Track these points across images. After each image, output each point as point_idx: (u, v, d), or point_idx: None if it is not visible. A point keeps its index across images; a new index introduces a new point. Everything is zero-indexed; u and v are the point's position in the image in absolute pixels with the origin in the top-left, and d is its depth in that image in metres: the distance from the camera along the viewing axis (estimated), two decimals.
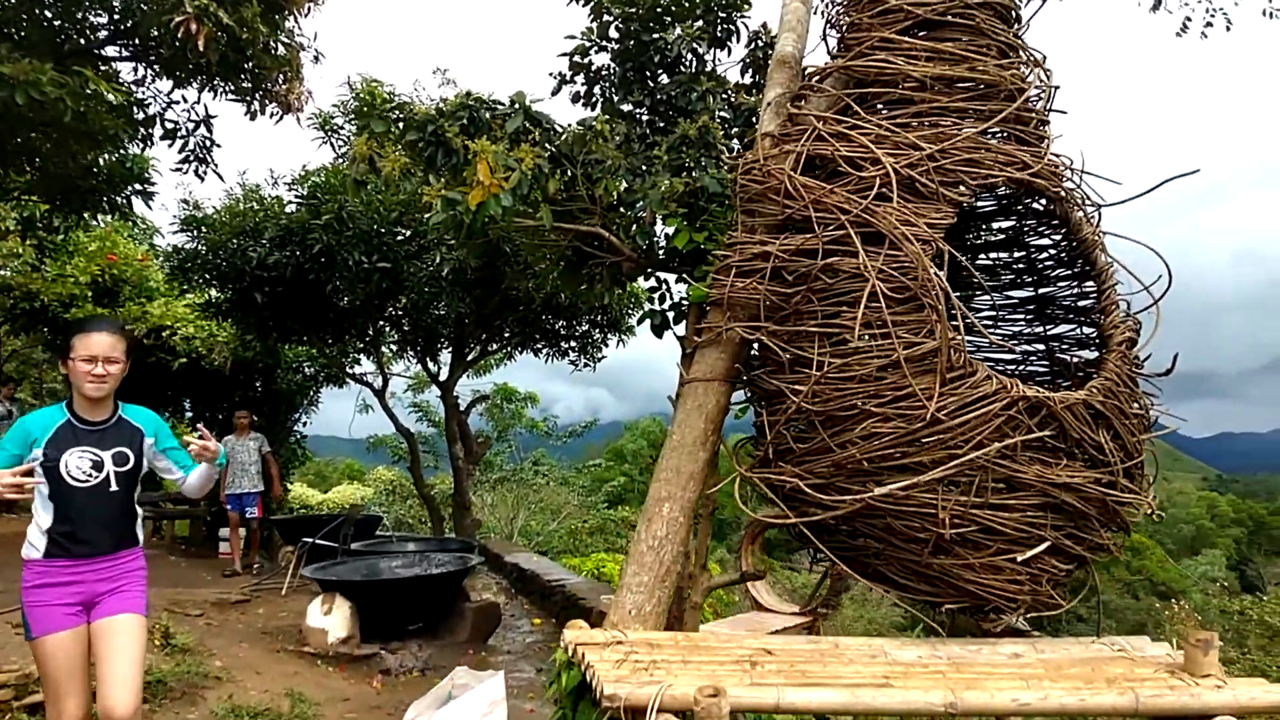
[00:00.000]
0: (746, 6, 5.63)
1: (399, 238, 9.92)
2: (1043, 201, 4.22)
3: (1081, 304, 4.41)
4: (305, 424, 14.65)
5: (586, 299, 10.13)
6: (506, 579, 10.81)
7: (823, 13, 4.74)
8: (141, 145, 8.77)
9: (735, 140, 5.48)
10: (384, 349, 13.13)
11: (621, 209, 5.33)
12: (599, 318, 12.04)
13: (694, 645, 3.36)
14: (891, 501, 3.49)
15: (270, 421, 13.44)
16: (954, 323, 3.54)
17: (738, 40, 5.73)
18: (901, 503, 3.49)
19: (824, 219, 3.79)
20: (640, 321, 5.50)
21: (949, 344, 3.44)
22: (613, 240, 5.17)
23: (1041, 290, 4.66)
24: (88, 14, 7.91)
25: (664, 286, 5.48)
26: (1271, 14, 7.07)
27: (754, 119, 5.28)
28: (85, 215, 9.69)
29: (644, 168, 5.14)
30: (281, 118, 8.44)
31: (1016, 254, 4.85)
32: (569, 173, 5.08)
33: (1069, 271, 4.44)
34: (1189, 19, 7.20)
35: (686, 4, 5.53)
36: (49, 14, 7.73)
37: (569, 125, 5.18)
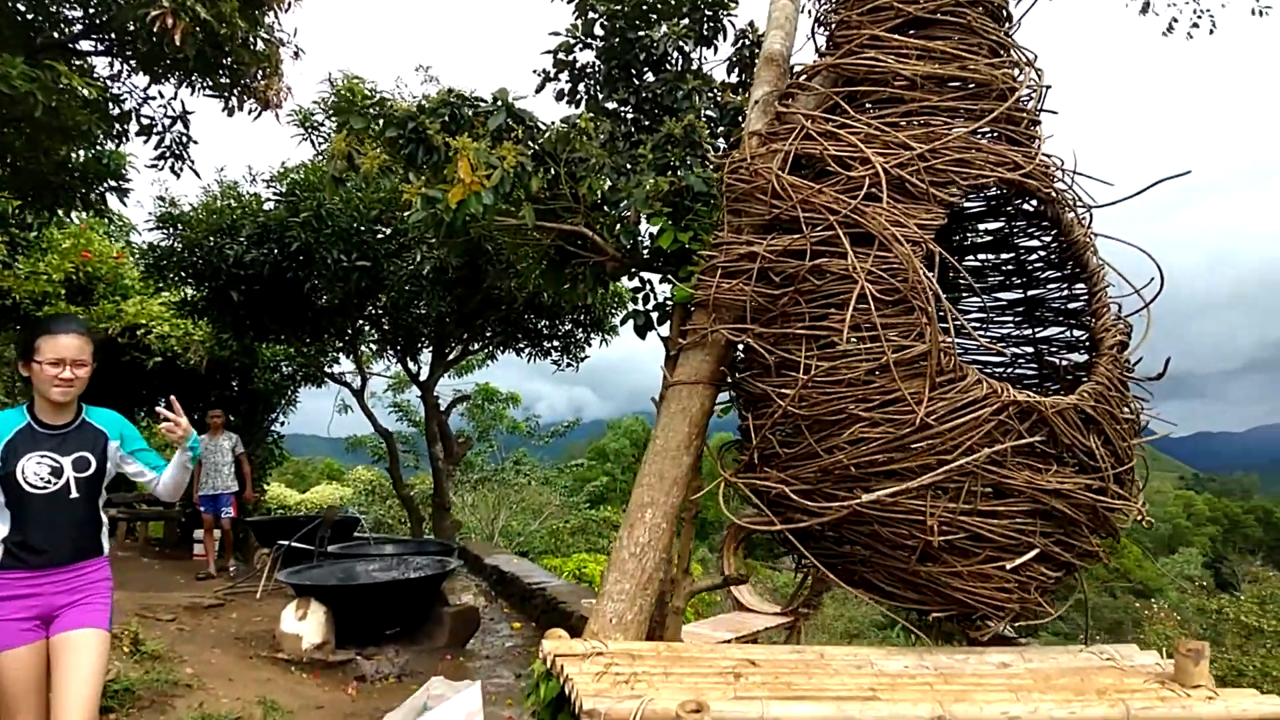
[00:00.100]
0: (733, 4, 5.56)
1: (379, 236, 9.77)
2: (1033, 202, 4.16)
3: (1071, 306, 4.36)
4: (283, 424, 14.46)
5: (569, 299, 10.02)
6: (486, 581, 10.69)
7: (811, 10, 4.68)
8: (116, 141, 8.59)
9: (721, 139, 5.40)
10: (363, 348, 12.97)
11: (605, 208, 5.25)
12: (582, 317, 11.94)
13: (676, 656, 3.27)
14: (879, 508, 3.42)
15: (247, 421, 13.24)
16: (943, 325, 3.48)
17: (724, 38, 5.66)
18: (889, 509, 3.43)
19: (812, 219, 3.71)
20: (624, 322, 5.42)
21: (939, 347, 3.37)
22: (596, 240, 5.08)
23: (1031, 292, 4.61)
24: (61, 7, 7.73)
25: (648, 287, 5.40)
26: (1261, 11, 7.07)
27: (740, 118, 5.21)
28: (59, 212, 9.50)
29: (629, 166, 5.06)
30: (260, 114, 8.28)
31: (1005, 255, 4.80)
32: (552, 171, 4.99)
33: (1059, 273, 4.40)
34: (1175, 20, 7.21)
35: (672, 1, 5.45)
36: (20, 6, 7.55)
37: (552, 123, 5.09)
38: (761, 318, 3.86)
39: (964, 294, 4.87)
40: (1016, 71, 4.09)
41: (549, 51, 5.63)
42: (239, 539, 11.99)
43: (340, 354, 12.87)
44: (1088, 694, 3.02)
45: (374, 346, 13.12)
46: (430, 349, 12.53)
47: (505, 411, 20.37)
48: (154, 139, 8.38)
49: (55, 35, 7.74)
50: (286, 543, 9.13)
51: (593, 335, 12.36)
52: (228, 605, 8.52)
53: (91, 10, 7.73)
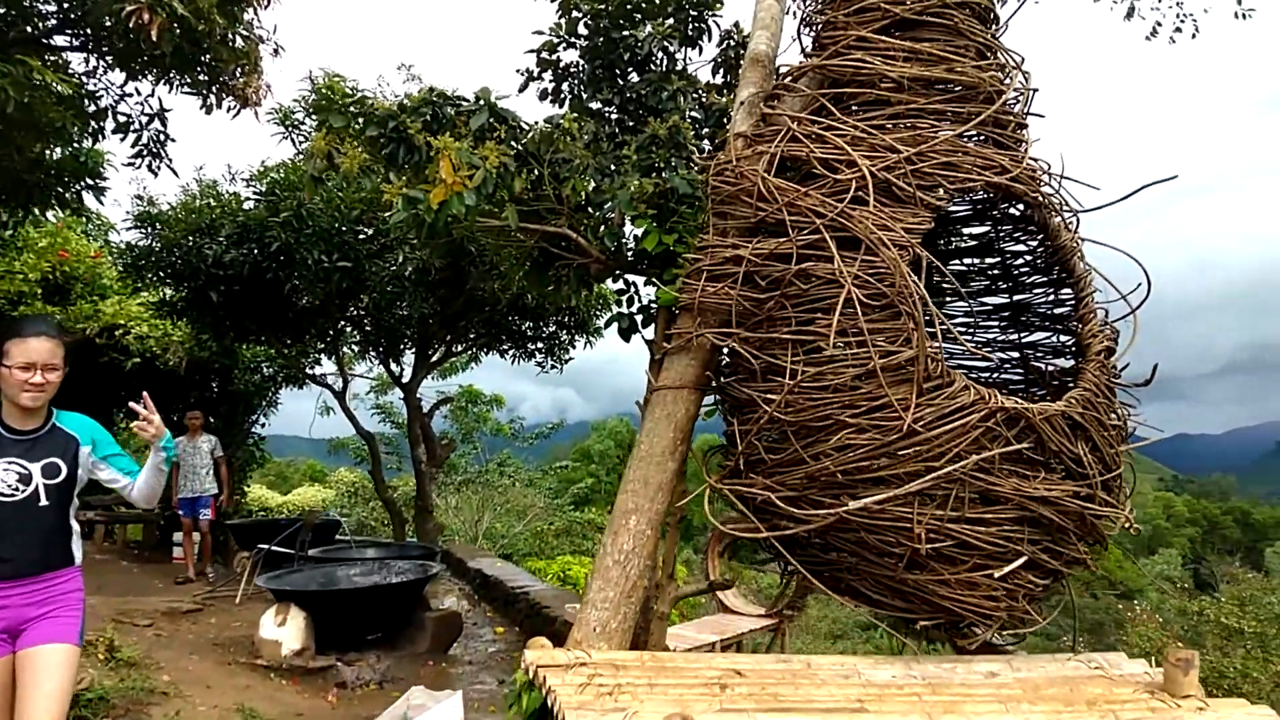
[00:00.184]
0: (718, 5, 5.51)
1: (360, 236, 9.66)
2: (1020, 207, 4.13)
3: (1058, 311, 4.33)
4: (263, 425, 14.31)
5: (553, 300, 9.96)
6: (470, 585, 10.60)
7: (797, 10, 4.64)
8: (93, 139, 8.46)
9: (706, 141, 5.36)
10: (345, 350, 12.85)
11: (589, 209, 5.19)
12: (566, 319, 11.87)
13: (661, 666, 3.22)
14: (865, 515, 3.37)
15: (227, 423, 13.09)
16: (930, 330, 3.44)
17: (709, 39, 5.62)
18: (876, 516, 3.38)
19: (798, 222, 3.67)
20: (608, 325, 5.36)
21: (926, 353, 3.33)
22: (580, 241, 5.02)
23: (1017, 297, 4.58)
24: (35, 1, 7.60)
25: (632, 289, 5.35)
26: (1243, 15, 7.10)
27: (725, 119, 5.16)
28: (35, 210, 9.36)
29: (613, 167, 5.00)
30: (239, 112, 8.17)
31: (991, 260, 4.77)
32: (536, 172, 4.93)
33: (1045, 278, 4.37)
34: (1159, 23, 7.23)
35: (657, 1, 5.40)
36: None
37: (536, 123, 5.03)
38: (747, 322, 3.81)
39: (949, 298, 4.84)
40: (1003, 74, 4.05)
41: (532, 50, 5.57)
42: (219, 542, 11.85)
43: (322, 355, 12.74)
44: (1077, 705, 2.98)
45: (356, 348, 13.00)
46: (413, 350, 12.42)
47: (489, 414, 20.25)
48: (131, 137, 8.27)
49: (28, 30, 7.61)
50: (266, 546, 9.01)
51: (577, 337, 12.30)
52: (206, 610, 8.41)
53: (66, 5, 7.60)
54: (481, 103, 4.93)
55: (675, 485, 4.09)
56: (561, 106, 5.66)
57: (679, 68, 5.57)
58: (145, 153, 8.40)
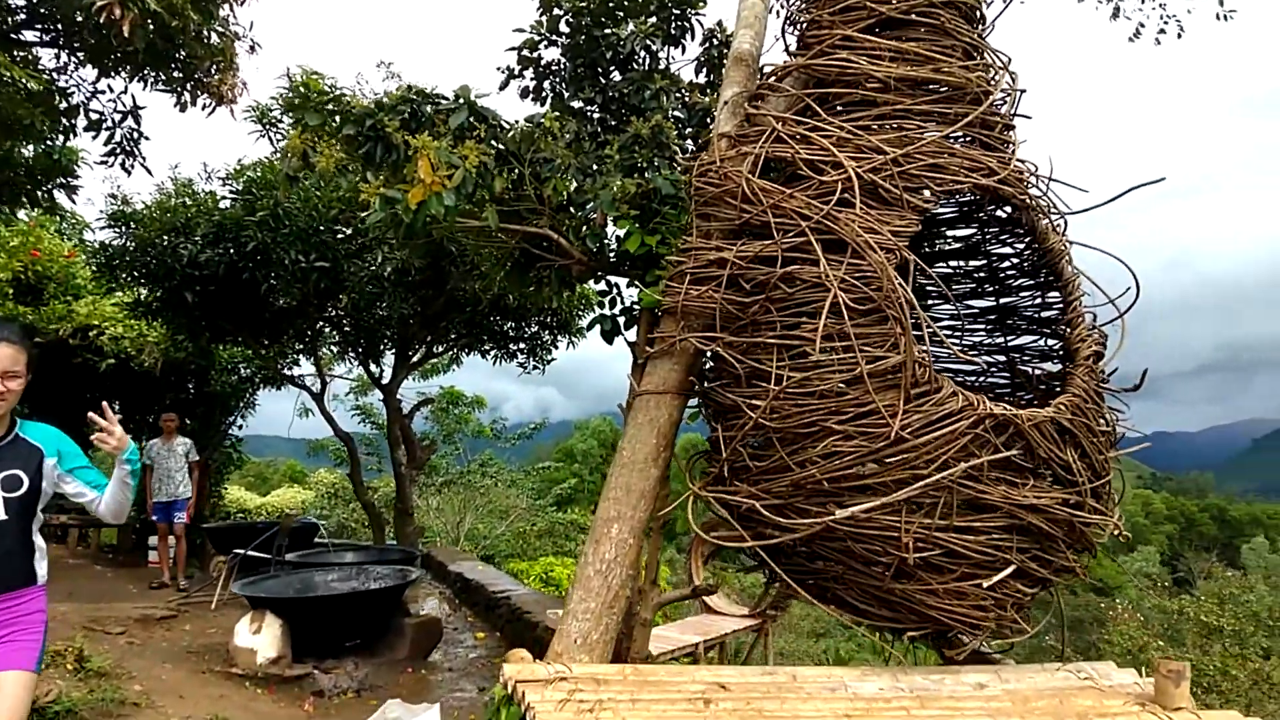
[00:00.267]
0: (701, 3, 5.45)
1: (339, 236, 9.52)
2: (1007, 209, 4.08)
3: (1044, 315, 4.28)
4: (241, 427, 14.13)
5: (535, 301, 9.86)
6: (450, 589, 10.48)
7: (781, 9, 4.57)
8: (64, 136, 8.29)
9: (690, 141, 5.29)
10: (324, 350, 12.69)
11: (571, 210, 5.11)
12: (548, 319, 11.77)
13: (643, 680, 3.14)
14: (852, 524, 3.31)
15: (204, 424, 12.92)
16: (918, 334, 3.38)
17: (692, 38, 5.55)
18: (862, 525, 3.32)
19: (783, 225, 3.60)
20: (590, 327, 5.29)
21: (914, 359, 3.27)
22: (562, 242, 4.94)
23: (1003, 300, 4.53)
24: None
25: (615, 290, 5.27)
26: (1225, 16, 7.11)
27: (709, 119, 5.09)
28: (5, 208, 9.19)
29: (595, 167, 4.92)
30: (214, 110, 8.04)
31: (976, 262, 4.72)
32: (516, 171, 4.84)
33: (1032, 281, 4.32)
34: (1142, 25, 7.22)
35: None
36: None
37: (517, 122, 4.94)
38: (731, 326, 3.74)
39: (935, 301, 4.79)
40: (990, 75, 4.00)
41: (513, 48, 5.49)
42: (195, 545, 11.68)
43: (300, 356, 12.58)
44: (1067, 718, 2.93)
45: (335, 349, 12.85)
46: (393, 351, 12.28)
47: (471, 415, 20.10)
48: (104, 134, 8.11)
49: None
50: (243, 551, 8.86)
51: (559, 337, 12.20)
52: (181, 616, 8.25)
53: None
54: (461, 101, 4.84)
55: (658, 492, 4.01)
56: (543, 105, 5.58)
57: (662, 67, 5.50)
58: (118, 151, 8.25)
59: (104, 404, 3.19)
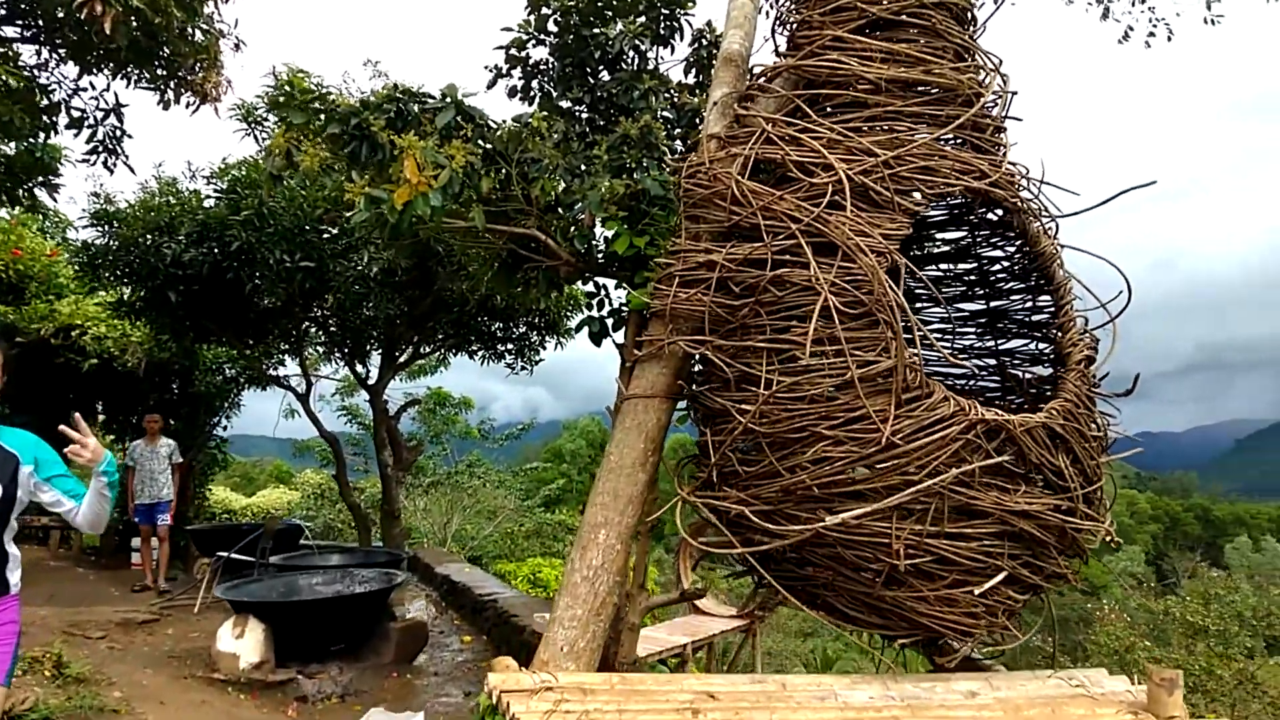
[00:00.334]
0: (690, 4, 5.40)
1: (324, 236, 9.43)
2: (998, 212, 4.05)
3: (1035, 319, 4.25)
4: (225, 428, 14.00)
5: (523, 302, 9.79)
6: (437, 591, 10.40)
7: (770, 9, 4.52)
8: (45, 134, 8.18)
9: (678, 142, 5.24)
10: (309, 351, 12.58)
11: (559, 210, 5.06)
12: (536, 320, 11.70)
13: (631, 690, 3.09)
14: (842, 530, 3.27)
15: (188, 425, 12.79)
16: (908, 338, 3.34)
17: (681, 38, 5.51)
18: (853, 531, 3.28)
19: (773, 227, 3.56)
20: (579, 328, 5.23)
21: (905, 363, 3.23)
22: (549, 243, 4.89)
23: (993, 304, 4.50)
24: None
25: (603, 292, 5.22)
26: (1212, 20, 7.12)
27: (698, 120, 5.05)
28: None
29: (583, 168, 4.88)
30: (197, 108, 7.95)
31: (966, 265, 4.69)
32: (504, 171, 4.79)
33: (1023, 284, 4.29)
34: (1131, 28, 7.22)
35: None
36: None
37: (504, 121, 4.89)
38: (720, 329, 3.70)
39: (925, 304, 4.76)
40: (981, 76, 3.96)
41: (501, 47, 5.43)
42: (179, 547, 11.56)
43: (286, 356, 12.47)
44: None
45: (321, 349, 12.74)
46: (379, 352, 12.19)
47: (458, 417, 19.99)
48: (86, 132, 8.01)
49: None
50: (226, 554, 8.77)
51: (547, 338, 12.13)
52: (163, 620, 8.15)
53: None
54: (448, 100, 4.79)
55: (646, 497, 3.97)
56: (531, 105, 5.53)
57: (650, 67, 5.45)
58: (101, 149, 8.15)
59: (76, 415, 3.10)
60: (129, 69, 7.73)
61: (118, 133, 8.14)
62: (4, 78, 6.56)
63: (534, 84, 5.55)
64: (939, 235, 4.80)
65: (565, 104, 5.45)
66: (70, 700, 5.22)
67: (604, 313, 5.10)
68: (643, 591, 4.47)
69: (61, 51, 7.74)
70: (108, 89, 7.93)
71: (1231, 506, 71.16)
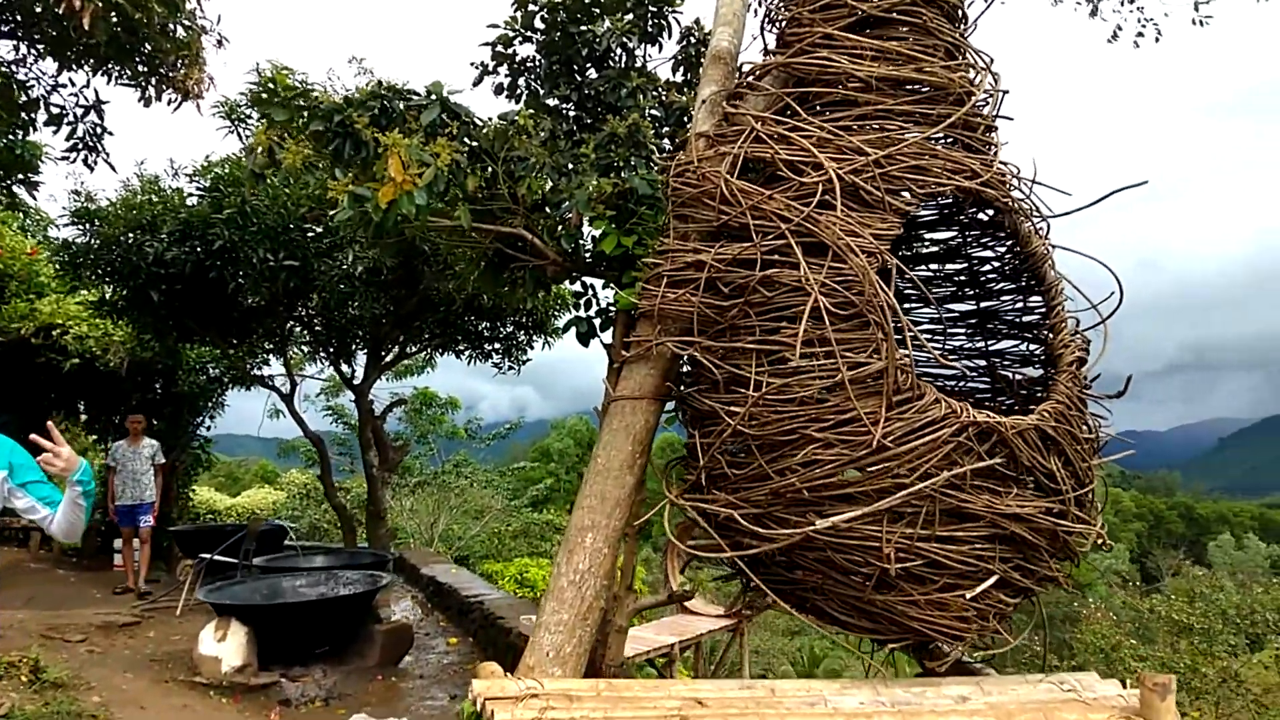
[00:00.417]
0: (679, 1, 5.35)
1: (309, 234, 9.34)
2: (989, 212, 4.02)
3: (1026, 319, 4.23)
4: (209, 428, 13.88)
5: (510, 302, 9.72)
6: (423, 592, 10.33)
7: (760, 6, 4.48)
8: (23, 131, 8.07)
9: (667, 140, 5.19)
10: (294, 351, 12.48)
11: (546, 209, 5.01)
12: (524, 320, 11.63)
13: (618, 697, 3.04)
14: (832, 533, 3.23)
15: (171, 425, 12.67)
16: (899, 337, 3.30)
17: (669, 36, 5.46)
18: (843, 535, 3.24)
19: (762, 227, 3.51)
20: (566, 328, 5.18)
21: (896, 365, 3.19)
22: (536, 243, 4.83)
23: (984, 304, 4.47)
24: None
25: (590, 292, 5.17)
26: (1200, 21, 7.13)
27: (686, 118, 5.01)
28: None
29: (570, 166, 4.82)
30: (179, 105, 7.85)
31: (956, 266, 4.66)
32: (490, 170, 4.73)
33: (1013, 285, 4.26)
34: (1120, 27, 7.22)
35: None
36: None
37: (490, 119, 4.83)
38: (709, 330, 3.65)
39: (914, 304, 4.72)
40: (973, 75, 3.93)
41: (487, 44, 5.37)
42: (162, 548, 11.45)
43: (270, 356, 12.36)
44: None
45: (306, 349, 12.64)
46: (365, 351, 12.09)
47: (444, 417, 19.89)
48: (65, 129, 7.90)
49: None
50: (209, 556, 8.67)
51: (535, 337, 12.06)
52: (145, 623, 8.06)
53: None
54: (433, 97, 4.72)
55: (633, 499, 3.92)
56: (517, 102, 5.47)
57: (638, 65, 5.40)
58: (81, 146, 8.04)
59: (49, 423, 3.02)
60: (109, 65, 7.63)
61: (98, 130, 8.04)
62: None
63: (521, 81, 5.49)
64: (928, 235, 4.77)
65: (552, 102, 5.40)
66: (47, 706, 5.14)
67: (591, 313, 5.05)
68: (630, 593, 4.42)
69: (40, 47, 7.63)
70: (88, 85, 7.83)
71: (1214, 505, 71.78)
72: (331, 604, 7.02)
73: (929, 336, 4.66)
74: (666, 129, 5.25)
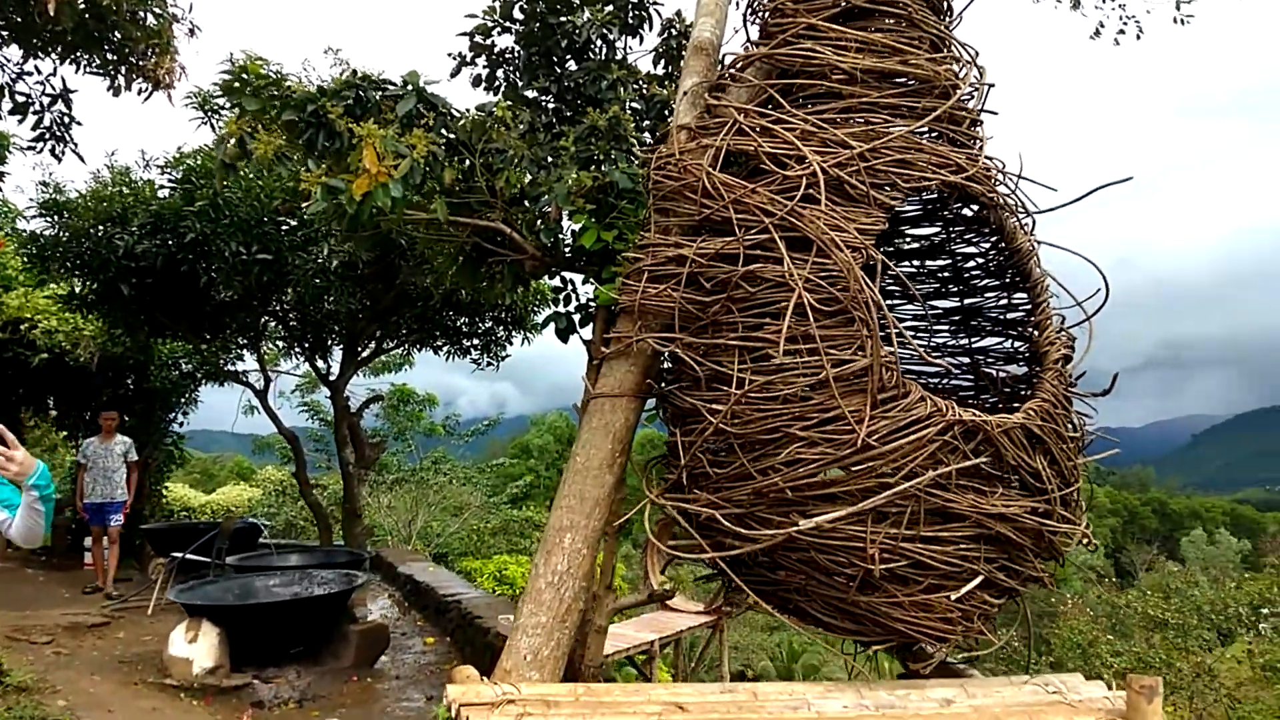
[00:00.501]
0: None
1: (283, 227, 9.19)
2: (974, 207, 3.97)
3: (1010, 317, 4.18)
4: (182, 424, 13.66)
5: (488, 297, 9.61)
6: (400, 591, 10.21)
7: None
8: None
9: (648, 134, 5.12)
10: (268, 346, 12.30)
11: (525, 203, 4.93)
12: (503, 315, 11.52)
13: (597, 701, 2.97)
14: (816, 534, 3.17)
15: (143, 421, 12.44)
16: (884, 334, 3.25)
17: (650, 28, 5.39)
18: (827, 535, 3.18)
19: (745, 221, 3.44)
20: (545, 324, 5.09)
21: (881, 362, 3.13)
22: (515, 237, 4.75)
23: (968, 301, 4.42)
24: None
25: (570, 288, 5.09)
26: (1182, 20, 7.14)
27: (667, 112, 4.94)
28: None
29: (549, 159, 4.74)
30: (150, 95, 7.68)
31: (939, 262, 4.61)
32: (467, 162, 4.64)
33: (998, 281, 4.22)
34: (1102, 24, 7.21)
35: None
36: None
37: (467, 110, 4.73)
38: (691, 326, 3.58)
39: (896, 301, 4.67)
40: (958, 68, 3.88)
41: (465, 34, 5.26)
42: (134, 546, 11.25)
43: (244, 351, 12.18)
44: None
45: (281, 344, 12.46)
46: (341, 347, 11.93)
47: (422, 414, 19.72)
48: (31, 118, 7.71)
49: None
50: (181, 555, 8.51)
51: (514, 333, 11.95)
52: (115, 623, 7.90)
53: None
54: (409, 87, 4.62)
55: (613, 499, 3.85)
56: (495, 94, 5.37)
57: (619, 57, 5.32)
58: (48, 135, 7.86)
59: (1, 427, 2.89)
60: (77, 53, 7.46)
61: (66, 119, 7.86)
62: None
63: (499, 73, 5.40)
64: (910, 231, 4.72)
65: (531, 94, 5.31)
66: (10, 711, 5.00)
67: (571, 308, 4.97)
68: (610, 593, 4.35)
69: (4, 34, 7.44)
70: (54, 73, 7.65)
71: (1187, 500, 72.67)
72: (306, 604, 6.90)
73: (913, 334, 4.61)
74: (647, 122, 5.18)
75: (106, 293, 9.41)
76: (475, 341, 11.94)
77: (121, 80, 7.54)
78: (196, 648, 6.26)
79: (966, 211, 4.13)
